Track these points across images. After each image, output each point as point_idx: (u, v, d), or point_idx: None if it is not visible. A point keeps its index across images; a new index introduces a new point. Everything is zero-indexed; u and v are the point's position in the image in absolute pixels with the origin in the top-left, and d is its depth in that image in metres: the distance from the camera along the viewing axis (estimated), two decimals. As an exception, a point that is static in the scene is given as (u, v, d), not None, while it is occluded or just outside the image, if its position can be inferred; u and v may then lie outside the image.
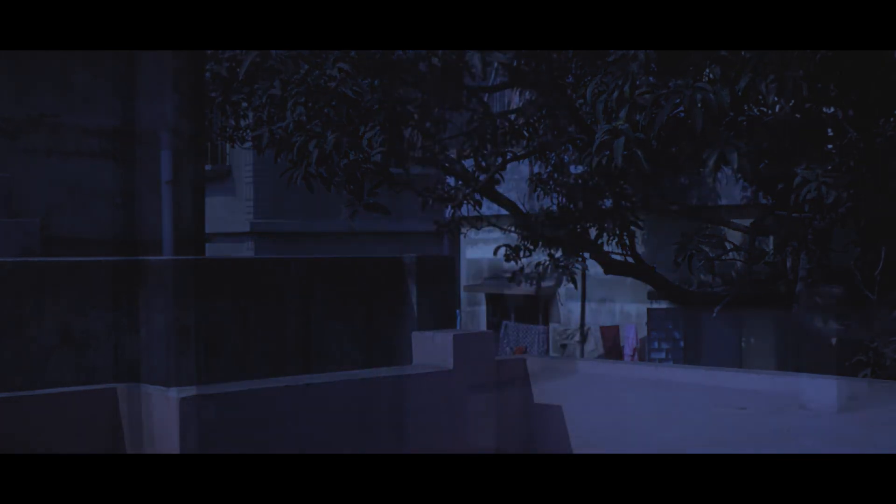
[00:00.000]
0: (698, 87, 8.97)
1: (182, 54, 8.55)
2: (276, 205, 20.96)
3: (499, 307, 19.65)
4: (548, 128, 13.00)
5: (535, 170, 14.54)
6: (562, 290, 18.30)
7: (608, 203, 13.02)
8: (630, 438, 5.34)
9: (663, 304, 16.52)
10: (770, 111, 10.80)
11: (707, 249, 11.95)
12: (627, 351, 17.43)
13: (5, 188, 7.47)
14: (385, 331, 6.61)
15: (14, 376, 5.16)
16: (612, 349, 17.61)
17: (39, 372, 5.27)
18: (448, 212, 13.45)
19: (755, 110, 10.87)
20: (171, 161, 8.47)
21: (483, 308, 19.93)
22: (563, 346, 18.58)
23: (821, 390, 5.12)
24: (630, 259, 13.64)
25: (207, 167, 11.78)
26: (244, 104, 12.19)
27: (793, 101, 9.72)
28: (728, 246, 12.52)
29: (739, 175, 11.75)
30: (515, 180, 16.80)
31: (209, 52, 11.29)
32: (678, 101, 9.00)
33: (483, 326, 19.23)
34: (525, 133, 13.32)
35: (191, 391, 4.42)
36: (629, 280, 15.40)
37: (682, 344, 16.53)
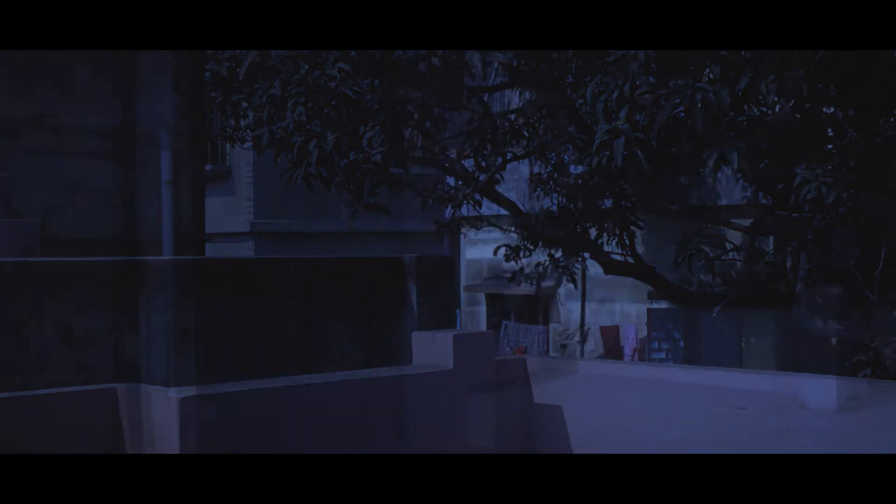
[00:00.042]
0: (698, 87, 8.97)
1: (182, 54, 8.55)
2: (275, 205, 20.95)
3: (499, 307, 19.65)
4: (548, 128, 12.99)
5: (535, 170, 14.53)
6: (562, 290, 18.29)
7: (608, 203, 13.01)
8: (630, 438, 5.34)
9: (663, 304, 16.51)
10: (770, 111, 10.80)
11: (707, 249, 11.95)
12: (627, 351, 17.42)
13: (5, 188, 7.47)
14: (385, 331, 6.61)
15: (14, 376, 5.15)
16: (612, 349, 17.60)
17: (39, 372, 5.27)
18: (448, 212, 13.44)
19: (755, 110, 10.88)
20: (171, 161, 8.47)
21: (483, 308, 19.91)
22: (563, 346, 18.57)
23: (821, 390, 5.13)
24: (630, 259, 13.63)
25: (207, 167, 11.76)
26: (244, 104, 12.18)
27: (793, 101, 9.74)
28: (728, 246, 12.52)
29: (739, 175, 11.76)
30: (515, 180, 16.79)
31: (209, 52, 11.28)
32: (678, 101, 9.00)
33: (483, 326, 19.21)
34: (525, 133, 13.32)
35: (191, 391, 4.42)
36: (629, 280, 15.39)
37: (682, 344, 16.53)
